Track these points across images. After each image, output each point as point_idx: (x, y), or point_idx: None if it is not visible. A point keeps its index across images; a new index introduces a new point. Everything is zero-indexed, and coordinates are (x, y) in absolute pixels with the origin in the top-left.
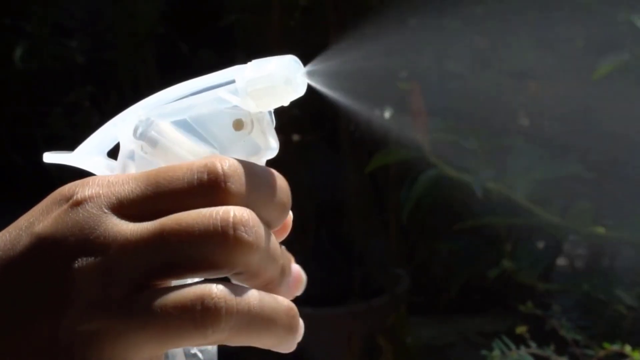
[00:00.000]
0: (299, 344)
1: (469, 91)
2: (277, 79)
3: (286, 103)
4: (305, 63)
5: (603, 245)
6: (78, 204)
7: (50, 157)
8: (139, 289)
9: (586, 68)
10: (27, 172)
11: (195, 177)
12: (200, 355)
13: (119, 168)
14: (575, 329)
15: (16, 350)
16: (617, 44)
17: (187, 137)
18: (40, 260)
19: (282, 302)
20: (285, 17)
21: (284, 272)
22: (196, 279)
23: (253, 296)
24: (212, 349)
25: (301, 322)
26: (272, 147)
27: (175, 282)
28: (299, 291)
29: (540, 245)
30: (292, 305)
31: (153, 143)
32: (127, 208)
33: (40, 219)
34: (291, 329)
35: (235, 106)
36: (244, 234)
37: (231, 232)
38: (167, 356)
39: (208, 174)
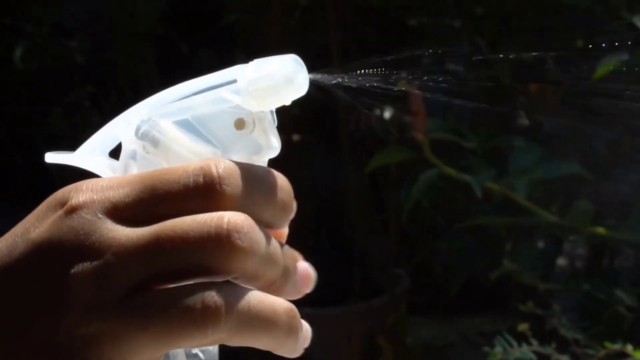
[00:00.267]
0: None
1: (468, 91)
2: (278, 78)
3: (288, 102)
4: (305, 63)
5: (603, 245)
6: (73, 210)
7: (52, 157)
8: (136, 291)
9: (586, 68)
10: (27, 172)
11: (191, 180)
12: (201, 355)
13: (121, 168)
14: (575, 329)
15: (16, 353)
16: (617, 44)
17: (189, 136)
18: (37, 266)
19: (282, 303)
20: (285, 17)
21: (287, 272)
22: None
23: (253, 296)
24: (214, 349)
25: (307, 326)
26: (274, 146)
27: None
28: (309, 289)
29: (540, 245)
30: (292, 306)
31: (155, 143)
32: (122, 212)
33: (36, 225)
34: (291, 329)
35: (237, 106)
36: (237, 240)
37: (225, 238)
38: (167, 356)
39: (204, 177)
